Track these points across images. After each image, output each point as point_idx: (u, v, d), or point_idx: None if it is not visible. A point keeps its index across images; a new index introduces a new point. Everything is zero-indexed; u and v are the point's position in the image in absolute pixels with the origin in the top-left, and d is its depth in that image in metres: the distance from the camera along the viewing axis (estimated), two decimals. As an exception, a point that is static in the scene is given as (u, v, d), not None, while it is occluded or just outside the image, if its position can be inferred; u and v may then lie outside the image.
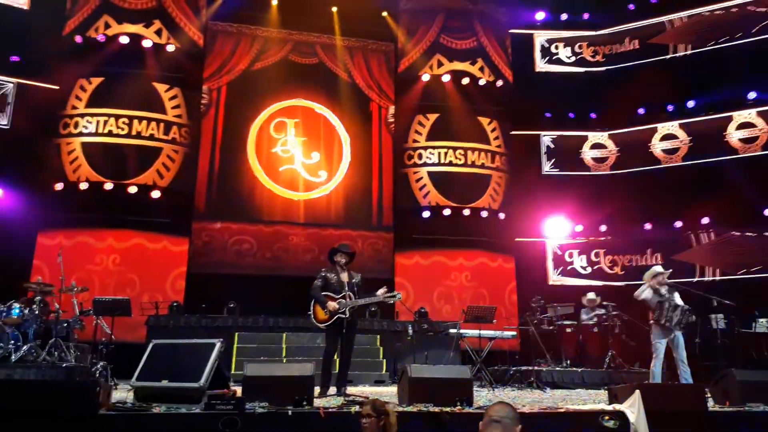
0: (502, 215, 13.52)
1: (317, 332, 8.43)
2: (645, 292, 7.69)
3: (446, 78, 13.85)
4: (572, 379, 8.95)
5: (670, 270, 8.23)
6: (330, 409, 5.17)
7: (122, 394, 5.78)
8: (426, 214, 13.16)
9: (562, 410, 5.55)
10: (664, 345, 7.53)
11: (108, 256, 11.29)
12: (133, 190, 11.56)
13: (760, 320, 10.06)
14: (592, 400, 6.60)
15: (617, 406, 5.48)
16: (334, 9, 13.44)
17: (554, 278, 13.62)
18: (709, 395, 6.07)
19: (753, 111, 12.87)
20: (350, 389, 6.98)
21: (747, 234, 12.44)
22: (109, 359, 7.63)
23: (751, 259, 12.26)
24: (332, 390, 6.76)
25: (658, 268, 7.96)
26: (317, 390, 6.61)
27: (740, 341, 9.75)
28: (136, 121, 11.89)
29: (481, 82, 14.00)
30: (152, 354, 5.44)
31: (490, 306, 9.65)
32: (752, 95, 12.87)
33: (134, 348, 5.95)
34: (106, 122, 11.73)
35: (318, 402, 5.62)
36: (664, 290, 7.72)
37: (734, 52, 13.05)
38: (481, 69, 14.11)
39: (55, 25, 11.82)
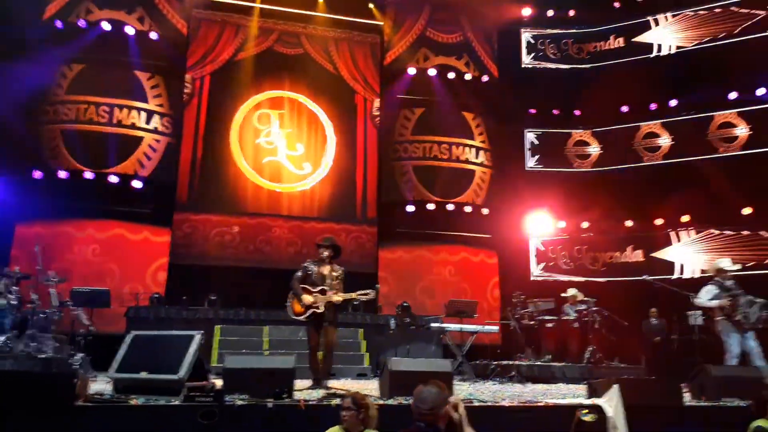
0: (485, 210, 13.58)
1: (299, 325, 8.37)
2: (709, 293, 7.35)
3: (432, 72, 13.84)
4: (553, 373, 9.02)
5: (738, 265, 7.96)
6: (310, 402, 5.16)
7: (101, 385, 5.71)
8: (410, 208, 13.17)
9: (541, 404, 5.59)
10: (737, 341, 7.28)
11: (88, 247, 11.15)
12: (113, 179, 11.42)
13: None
14: (571, 395, 6.65)
15: (596, 400, 5.54)
16: (320, -1, 13.36)
17: (537, 273, 13.72)
18: (686, 390, 6.16)
19: (733, 111, 13.04)
20: (332, 383, 6.94)
21: (726, 232, 12.63)
22: (88, 351, 7.54)
23: (730, 256, 12.45)
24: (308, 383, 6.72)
25: (724, 263, 7.63)
26: (308, 383, 6.61)
27: (717, 337, 9.88)
28: (117, 110, 11.75)
29: (467, 76, 14.04)
30: (131, 345, 5.39)
31: (471, 300, 9.70)
32: (733, 95, 13.03)
33: (114, 339, 5.87)
34: (86, 110, 11.56)
35: (298, 395, 5.60)
36: (729, 283, 7.45)
37: (717, 52, 13.20)
38: (467, 64, 14.14)
39: (35, 10, 11.57)
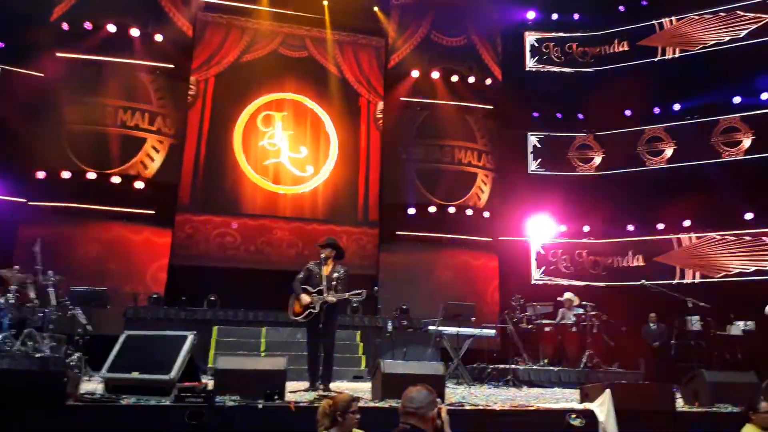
0: (487, 213, 13.57)
1: (297, 327, 8.41)
2: None
3: (436, 75, 13.86)
4: (549, 377, 9.01)
5: None
6: (301, 404, 5.19)
7: (94, 385, 5.76)
8: (411, 211, 13.18)
9: (533, 408, 5.61)
10: None
11: (89, 247, 11.23)
12: (116, 180, 11.51)
13: (735, 323, 10.18)
14: (565, 399, 6.65)
15: (587, 405, 5.54)
16: (325, 2, 13.39)
17: (537, 277, 13.69)
18: (678, 395, 6.13)
19: (737, 115, 12.97)
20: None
21: (727, 237, 12.56)
22: (86, 350, 7.59)
23: (730, 262, 12.41)
24: (305, 385, 6.74)
25: None
26: (305, 385, 6.61)
27: (715, 343, 9.86)
28: (121, 111, 11.84)
29: (471, 79, 14.04)
30: (124, 345, 5.45)
31: (468, 303, 9.69)
32: (737, 100, 12.97)
33: (111, 339, 5.92)
34: (90, 111, 11.65)
35: (291, 397, 5.63)
36: None
37: (721, 57, 13.14)
38: (471, 67, 14.12)
39: (42, 12, 11.69)
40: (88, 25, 11.91)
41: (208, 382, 5.44)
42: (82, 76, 11.74)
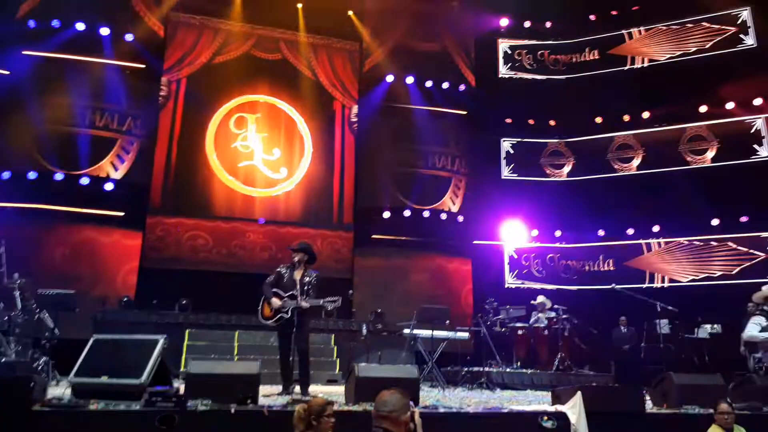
0: (461, 218, 13.67)
1: (270, 331, 8.32)
2: (758, 325, 6.75)
3: (410, 80, 13.92)
4: (522, 380, 9.09)
5: None
6: (274, 408, 5.12)
7: (61, 390, 5.61)
8: (386, 214, 13.19)
9: (505, 411, 5.63)
10: None
11: (56, 249, 10.97)
12: (85, 181, 11.28)
13: (703, 326, 10.43)
14: (537, 401, 6.71)
15: (559, 407, 5.60)
16: (299, 5, 13.34)
17: (510, 281, 13.82)
18: (648, 397, 6.24)
19: (704, 124, 13.31)
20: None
21: (694, 242, 12.87)
22: (53, 355, 7.41)
23: (698, 267, 12.73)
24: (279, 389, 6.67)
25: None
26: (279, 389, 6.53)
27: (683, 346, 10.09)
28: (89, 111, 11.61)
29: (444, 85, 14.15)
30: (93, 349, 5.33)
31: (442, 307, 9.71)
32: (703, 109, 13.32)
33: (80, 343, 5.77)
34: (58, 110, 11.39)
35: (264, 401, 5.56)
36: None
37: (688, 67, 13.49)
38: (445, 73, 14.22)
39: (8, 9, 11.41)
40: (56, 23, 11.65)
41: (180, 386, 5.35)
42: (49, 75, 11.46)
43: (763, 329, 6.77)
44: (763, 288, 7.16)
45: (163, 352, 5.21)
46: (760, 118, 12.84)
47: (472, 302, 13.14)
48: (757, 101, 12.86)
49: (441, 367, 9.22)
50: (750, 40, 13.16)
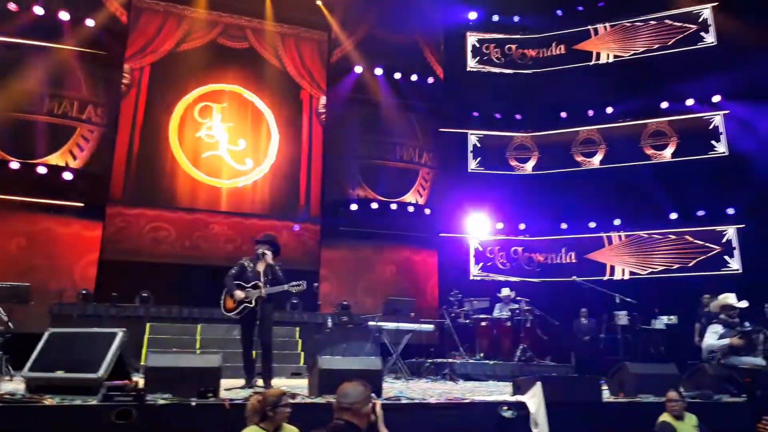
0: (427, 210, 13.74)
1: (234, 324, 8.25)
2: (716, 333, 6.80)
3: (379, 71, 13.89)
4: (484, 371, 9.20)
5: (746, 303, 7.10)
6: (236, 401, 5.08)
7: (15, 385, 5.47)
8: (354, 206, 13.15)
9: (467, 401, 5.70)
10: None
11: (11, 240, 10.65)
12: (42, 170, 10.95)
13: (659, 317, 10.73)
14: (499, 392, 6.81)
15: (519, 397, 5.70)
16: (267, -7, 13.18)
17: (476, 273, 13.96)
18: (605, 387, 6.39)
19: (665, 120, 13.63)
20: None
21: (654, 236, 13.20)
22: (6, 349, 7.20)
23: (656, 259, 13.08)
24: (242, 382, 6.62)
25: (731, 299, 6.97)
26: (241, 382, 6.48)
27: (640, 337, 10.37)
28: (48, 98, 11.27)
29: (413, 77, 14.15)
30: (48, 343, 5.20)
31: (408, 299, 9.77)
32: (665, 105, 13.62)
33: (35, 337, 5.63)
34: (14, 97, 11.01)
35: (226, 394, 5.51)
36: (736, 320, 6.91)
37: (651, 63, 13.76)
38: (413, 65, 14.22)
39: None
40: (12, 6, 11.25)
41: (140, 380, 5.26)
42: (5, 61, 11.08)
43: (721, 336, 6.92)
44: (719, 297, 7.25)
45: (123, 346, 5.12)
46: (718, 114, 13.18)
47: (438, 294, 13.24)
48: (716, 98, 13.19)
49: (406, 358, 9.28)
50: (710, 38, 13.48)
